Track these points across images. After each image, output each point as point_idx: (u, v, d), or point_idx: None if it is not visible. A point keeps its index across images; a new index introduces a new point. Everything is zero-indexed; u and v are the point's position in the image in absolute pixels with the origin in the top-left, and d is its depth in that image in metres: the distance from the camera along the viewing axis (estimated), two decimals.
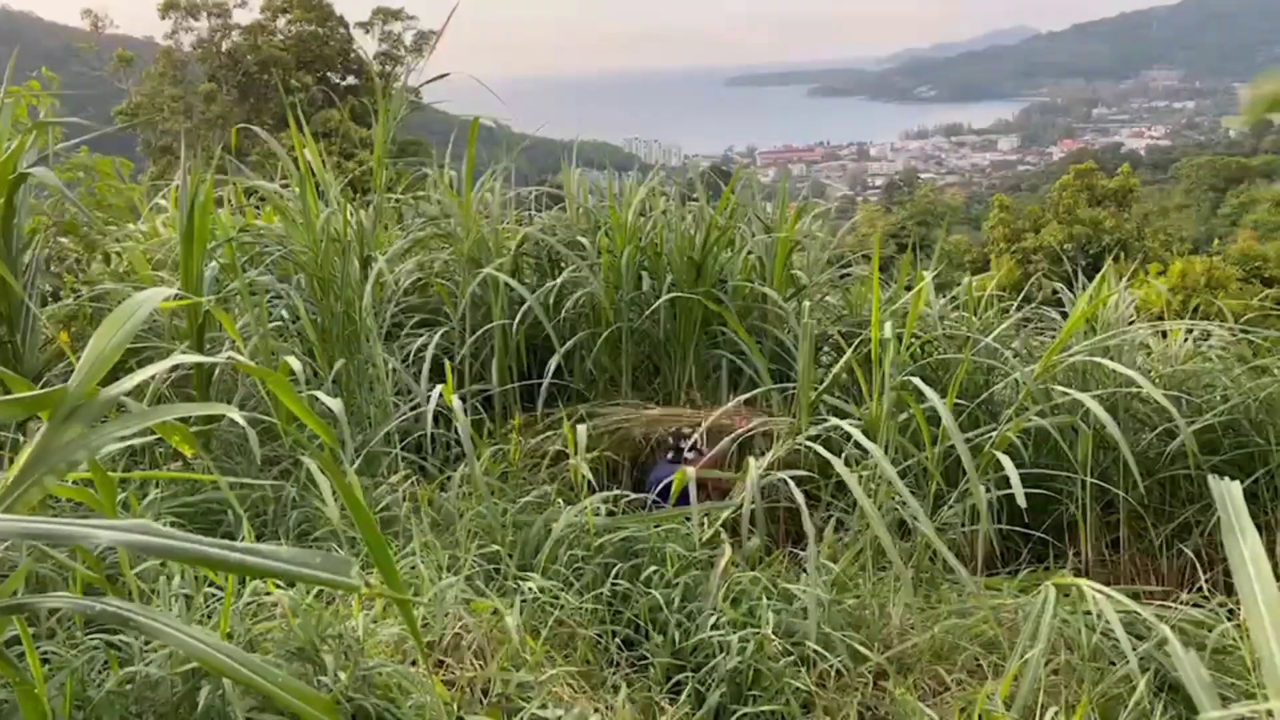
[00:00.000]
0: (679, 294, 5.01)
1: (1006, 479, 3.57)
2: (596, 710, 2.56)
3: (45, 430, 1.46)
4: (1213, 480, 1.69)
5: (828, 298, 6.04)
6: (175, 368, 3.99)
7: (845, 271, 6.36)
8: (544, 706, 2.48)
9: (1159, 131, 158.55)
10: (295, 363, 3.66)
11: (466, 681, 2.51)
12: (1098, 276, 5.15)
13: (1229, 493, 1.65)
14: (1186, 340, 5.34)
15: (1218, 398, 4.66)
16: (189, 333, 4.22)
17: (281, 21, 29.70)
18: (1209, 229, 43.35)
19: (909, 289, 6.59)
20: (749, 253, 5.62)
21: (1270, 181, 58.55)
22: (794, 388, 4.33)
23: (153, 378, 3.18)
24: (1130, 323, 5.03)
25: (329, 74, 29.65)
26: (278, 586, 2.48)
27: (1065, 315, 5.44)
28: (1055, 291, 6.17)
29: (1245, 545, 1.54)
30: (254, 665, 1.44)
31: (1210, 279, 15.99)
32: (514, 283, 4.97)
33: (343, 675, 2.21)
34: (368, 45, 30.69)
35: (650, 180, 6.01)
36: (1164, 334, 5.42)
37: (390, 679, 2.31)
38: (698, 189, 5.93)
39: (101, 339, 1.56)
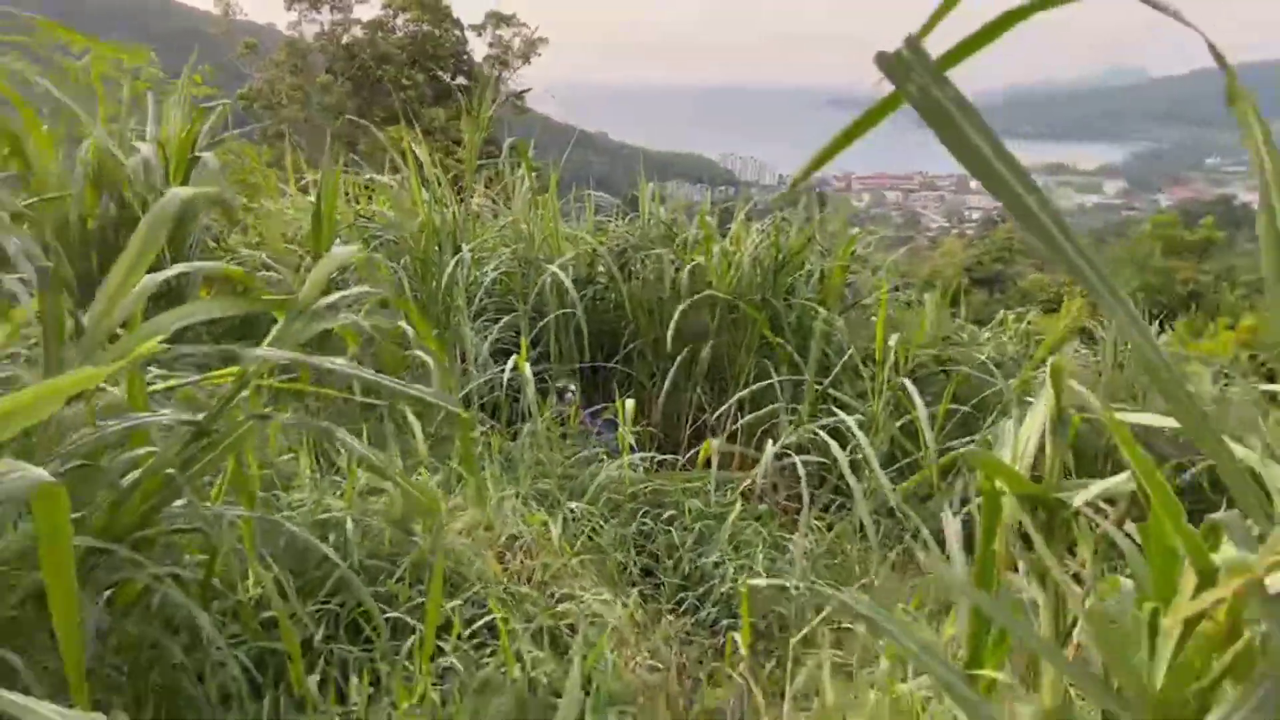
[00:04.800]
0: (740, 300, 5.69)
1: None
2: (617, 600, 3.32)
3: (283, 323, 2.30)
4: None
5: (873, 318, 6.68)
6: None
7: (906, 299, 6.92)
8: (576, 590, 3.25)
9: None
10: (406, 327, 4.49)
11: (518, 567, 3.30)
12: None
13: None
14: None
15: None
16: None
17: (400, 20, 31.02)
18: None
19: (977, 322, 7.31)
20: (810, 272, 6.31)
21: None
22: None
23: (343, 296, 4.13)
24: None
25: (440, 73, 30.86)
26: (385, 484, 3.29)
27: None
28: None
29: None
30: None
31: None
32: (568, 282, 5.58)
33: (428, 540, 3.01)
34: (478, 48, 31.86)
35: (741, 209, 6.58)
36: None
37: (462, 553, 3.10)
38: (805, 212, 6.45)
39: (320, 270, 2.41)
